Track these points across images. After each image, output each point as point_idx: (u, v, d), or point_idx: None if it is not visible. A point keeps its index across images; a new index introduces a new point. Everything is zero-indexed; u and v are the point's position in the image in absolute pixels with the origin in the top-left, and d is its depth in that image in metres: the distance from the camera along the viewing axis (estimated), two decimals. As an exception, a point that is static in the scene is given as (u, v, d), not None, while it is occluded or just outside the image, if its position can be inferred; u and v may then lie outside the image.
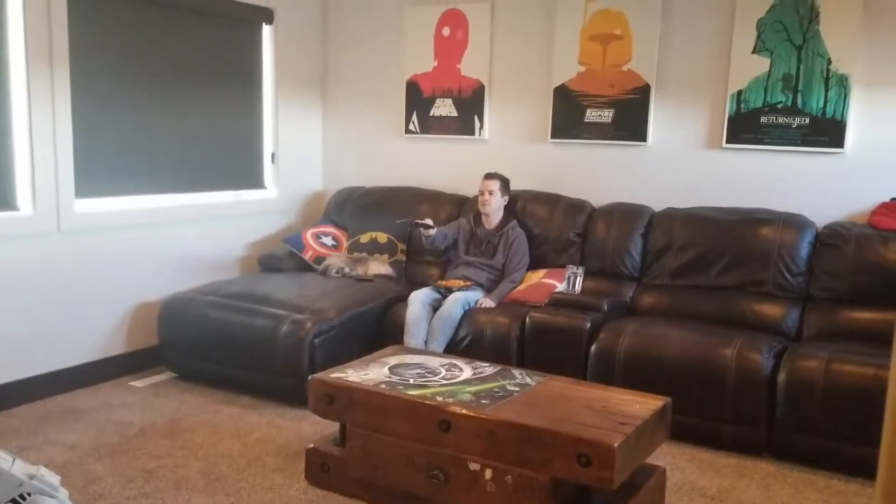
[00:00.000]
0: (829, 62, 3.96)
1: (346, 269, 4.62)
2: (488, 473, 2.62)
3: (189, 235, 4.62)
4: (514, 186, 4.49)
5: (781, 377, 3.32)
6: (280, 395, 3.92)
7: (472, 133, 4.98)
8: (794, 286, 3.88)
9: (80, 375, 4.06)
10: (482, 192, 4.36)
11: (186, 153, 4.63)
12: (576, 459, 2.44)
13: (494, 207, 4.37)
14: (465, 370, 3.08)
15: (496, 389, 2.86)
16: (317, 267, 4.73)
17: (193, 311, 4.14)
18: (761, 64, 4.12)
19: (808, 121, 4.05)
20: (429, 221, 4.40)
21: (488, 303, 4.09)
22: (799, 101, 4.06)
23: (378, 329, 4.13)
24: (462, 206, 4.78)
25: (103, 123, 4.13)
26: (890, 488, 0.99)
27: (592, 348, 3.69)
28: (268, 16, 5.03)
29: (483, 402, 2.72)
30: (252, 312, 3.99)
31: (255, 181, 5.14)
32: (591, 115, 4.57)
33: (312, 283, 4.42)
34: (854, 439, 3.16)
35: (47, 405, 3.82)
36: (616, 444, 2.39)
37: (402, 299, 4.18)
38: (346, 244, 4.91)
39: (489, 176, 4.39)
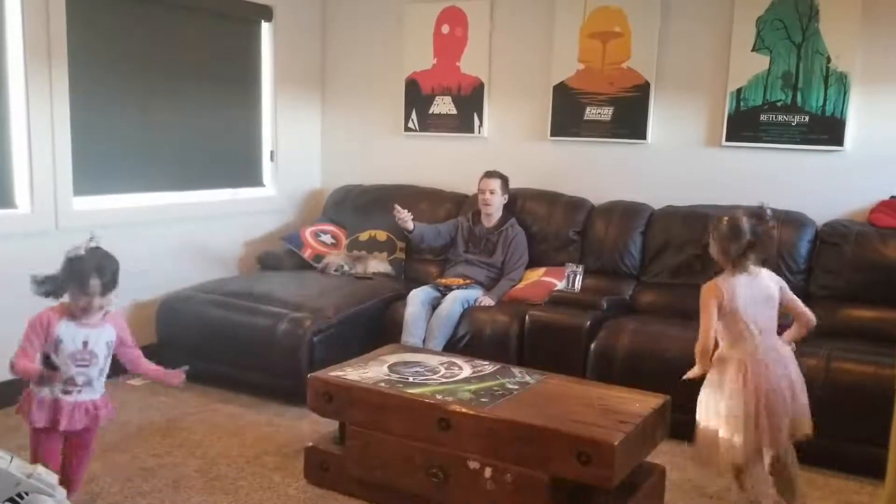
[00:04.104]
0: (829, 60, 3.96)
1: (346, 268, 4.61)
2: (488, 472, 2.61)
3: (188, 233, 4.60)
4: (513, 184, 4.48)
5: (781, 375, 3.31)
6: (279, 394, 3.91)
7: (472, 131, 4.97)
8: (794, 284, 3.84)
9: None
10: (483, 192, 4.35)
11: (185, 151, 4.62)
12: (575, 458, 2.43)
13: (496, 206, 4.37)
14: (465, 368, 3.07)
15: (496, 388, 2.85)
16: (316, 265, 4.72)
17: (192, 310, 4.13)
18: (761, 62, 4.11)
19: (807, 119, 4.04)
20: (406, 222, 4.36)
21: (488, 301, 4.09)
22: (798, 99, 4.05)
23: (377, 327, 4.12)
24: (461, 204, 4.76)
25: (102, 121, 4.12)
26: None
27: (592, 346, 3.68)
28: (267, 13, 5.01)
29: (482, 400, 2.72)
30: (251, 311, 3.98)
31: (253, 179, 5.13)
32: (591, 113, 4.57)
33: (311, 281, 4.41)
34: (854, 437, 3.16)
35: (45, 404, 3.80)
36: (616, 443, 2.39)
37: (402, 297, 4.17)
38: (345, 242, 4.90)
39: (490, 175, 4.38)
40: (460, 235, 4.48)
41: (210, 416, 3.71)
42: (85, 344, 2.52)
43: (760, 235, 2.64)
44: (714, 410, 2.66)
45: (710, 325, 2.65)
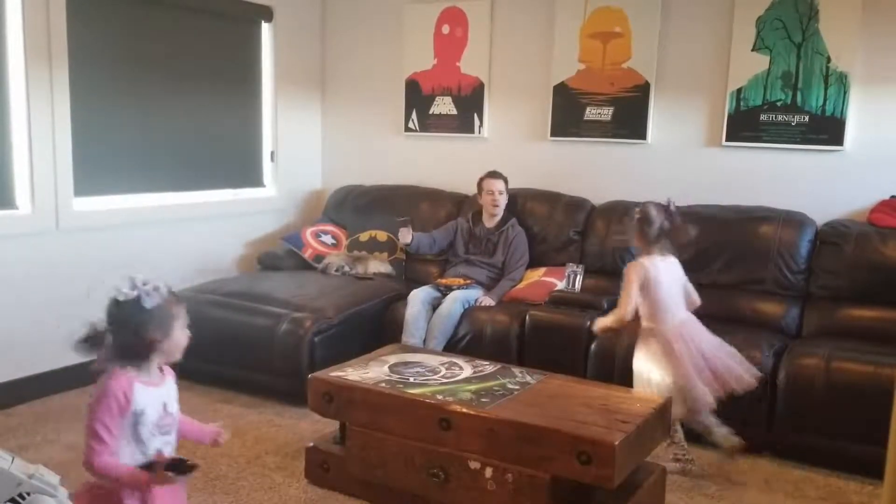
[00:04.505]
0: (829, 60, 3.96)
1: (346, 268, 4.61)
2: (488, 472, 2.61)
3: (188, 234, 4.61)
4: (513, 184, 4.49)
5: (781, 375, 3.31)
6: (279, 394, 3.91)
7: (472, 131, 4.97)
8: (794, 284, 3.87)
9: (79, 374, 4.00)
10: (491, 193, 4.34)
11: (185, 152, 4.62)
12: (576, 458, 2.43)
13: (503, 207, 4.37)
14: (466, 368, 3.07)
15: (496, 388, 2.85)
16: (316, 265, 4.72)
17: (192, 310, 4.03)
18: (761, 62, 4.12)
19: (807, 118, 4.04)
20: (405, 236, 4.34)
21: (488, 301, 4.09)
22: (798, 99, 4.05)
23: (378, 327, 4.12)
24: (461, 204, 4.77)
25: (102, 122, 4.12)
26: None
27: (592, 346, 3.68)
28: (267, 14, 5.02)
29: (483, 400, 2.72)
30: (251, 311, 3.98)
31: (254, 179, 5.14)
32: (591, 113, 4.57)
33: (312, 281, 4.41)
34: (854, 437, 3.16)
35: (46, 404, 3.81)
36: (616, 443, 2.39)
37: (402, 298, 4.17)
38: (345, 242, 4.90)
39: (494, 175, 4.36)
40: (460, 237, 4.47)
41: (211, 417, 3.69)
42: (164, 406, 2.02)
43: (671, 227, 3.09)
44: (651, 372, 3.04)
45: (632, 298, 3.02)
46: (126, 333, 1.96)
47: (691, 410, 3.03)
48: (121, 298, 1.98)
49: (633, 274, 3.03)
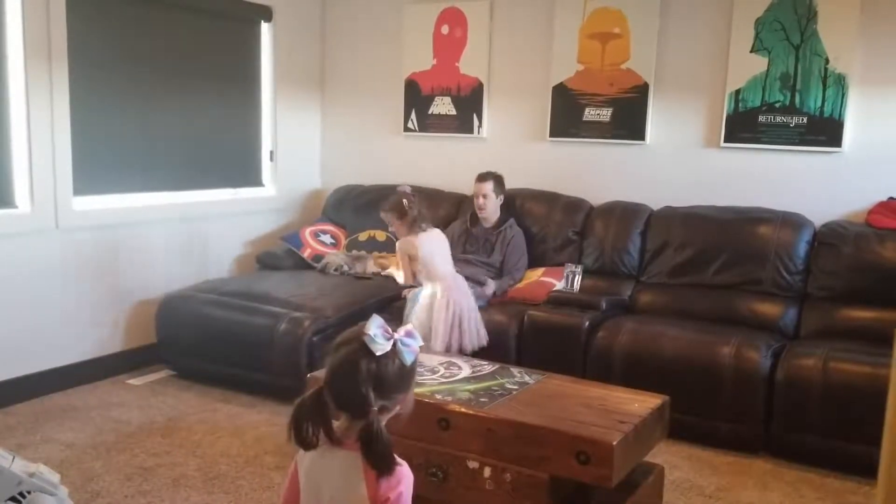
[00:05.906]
0: (827, 61, 3.97)
1: (345, 267, 4.62)
2: (487, 472, 2.61)
3: (187, 233, 4.61)
4: (512, 185, 4.49)
5: (779, 376, 3.33)
6: (278, 394, 3.91)
7: (471, 131, 4.98)
8: (792, 285, 3.88)
9: (78, 373, 4.05)
10: (476, 196, 4.34)
11: (185, 151, 4.62)
12: (574, 457, 2.44)
13: (491, 210, 4.36)
14: (464, 368, 3.08)
15: (495, 388, 2.86)
16: (315, 265, 4.72)
17: (191, 310, 4.13)
18: (759, 63, 4.13)
19: (805, 120, 4.05)
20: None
21: (489, 288, 4.10)
22: (797, 101, 4.06)
23: (376, 327, 4.12)
24: (461, 204, 4.77)
25: (101, 121, 4.12)
26: (891, 487, 1.00)
27: (591, 346, 3.69)
28: (266, 14, 5.02)
29: (482, 400, 2.72)
30: (250, 310, 3.99)
31: (253, 179, 5.14)
32: (590, 114, 4.58)
33: (311, 281, 4.41)
34: (851, 438, 3.17)
35: (45, 403, 3.81)
36: (615, 443, 2.39)
37: (401, 297, 4.17)
38: (344, 242, 4.90)
39: (481, 178, 4.35)
40: (456, 240, 4.46)
41: (210, 416, 3.72)
42: None
43: (421, 209, 3.81)
44: (423, 318, 3.66)
45: (409, 268, 3.81)
46: (385, 397, 1.60)
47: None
48: (378, 352, 1.62)
49: (404, 250, 3.79)
